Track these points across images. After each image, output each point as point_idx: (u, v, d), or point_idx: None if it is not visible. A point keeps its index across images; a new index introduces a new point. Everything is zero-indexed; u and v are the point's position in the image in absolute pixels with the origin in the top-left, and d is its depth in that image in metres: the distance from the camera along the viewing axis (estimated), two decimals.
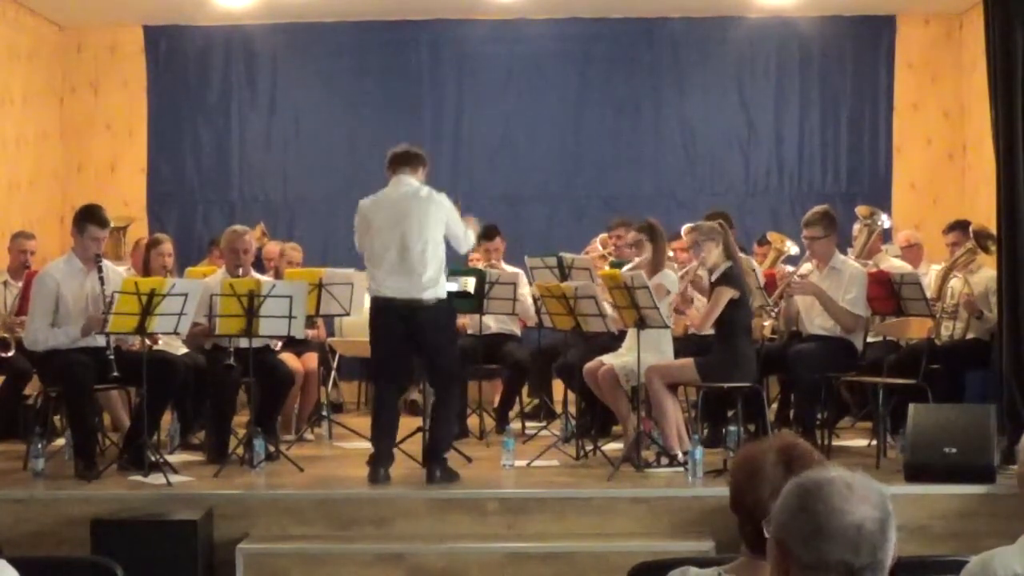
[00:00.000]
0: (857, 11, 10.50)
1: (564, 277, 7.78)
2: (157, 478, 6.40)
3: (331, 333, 9.12)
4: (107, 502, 6.08)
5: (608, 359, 7.13)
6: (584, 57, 10.74)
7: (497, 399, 8.88)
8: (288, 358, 7.75)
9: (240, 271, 7.42)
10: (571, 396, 7.84)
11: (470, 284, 7.52)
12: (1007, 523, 5.34)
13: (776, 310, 7.55)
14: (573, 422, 7.66)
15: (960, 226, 8.21)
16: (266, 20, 10.56)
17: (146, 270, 7.91)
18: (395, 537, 6.06)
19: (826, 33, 10.63)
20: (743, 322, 6.88)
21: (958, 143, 10.57)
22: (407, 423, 7.33)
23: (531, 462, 6.99)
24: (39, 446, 6.62)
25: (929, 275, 8.00)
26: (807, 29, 10.62)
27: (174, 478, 6.45)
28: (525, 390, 8.94)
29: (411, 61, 10.72)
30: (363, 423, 8.03)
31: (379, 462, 6.47)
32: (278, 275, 8.33)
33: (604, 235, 9.03)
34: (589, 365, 7.19)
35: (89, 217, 6.83)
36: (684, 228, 8.67)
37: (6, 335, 7.73)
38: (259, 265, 8.64)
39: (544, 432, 8.05)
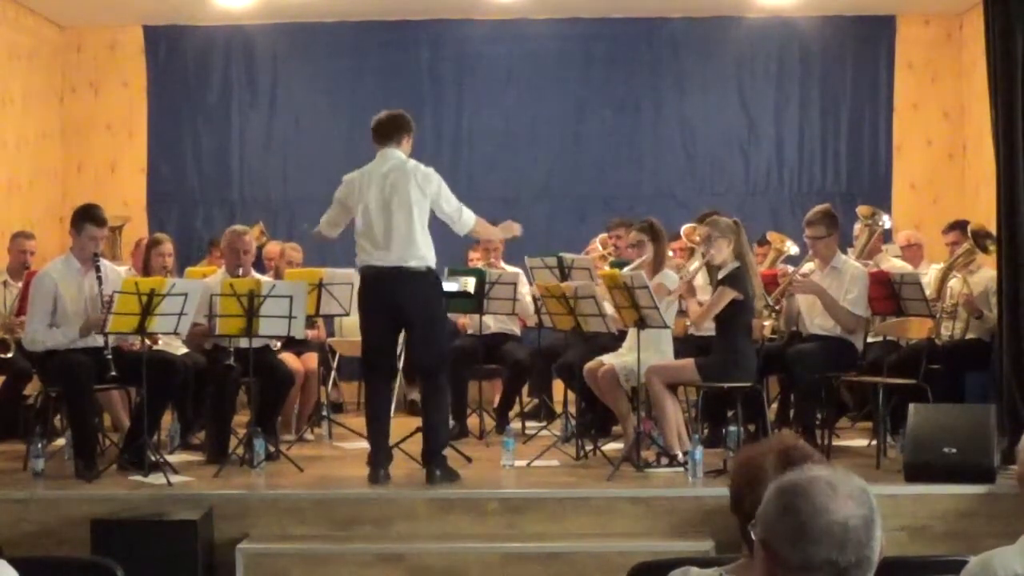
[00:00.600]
0: (857, 11, 10.50)
1: (564, 277, 7.78)
2: (157, 478, 6.40)
3: (331, 333, 9.12)
4: (107, 502, 6.07)
5: (608, 359, 7.13)
6: (584, 57, 10.74)
7: (497, 399, 8.88)
8: (288, 358, 7.75)
9: (240, 271, 7.42)
10: (571, 396, 7.84)
11: (470, 284, 7.52)
12: (1007, 523, 5.37)
13: (777, 308, 7.55)
14: (573, 422, 7.66)
15: (960, 226, 8.21)
16: (266, 20, 10.56)
17: (146, 270, 7.91)
18: (395, 537, 6.06)
19: (826, 33, 10.63)
20: (744, 322, 6.87)
21: (958, 143, 10.57)
22: (407, 423, 7.34)
23: (531, 462, 6.99)
24: (39, 446, 6.62)
25: (929, 275, 8.00)
26: (807, 29, 10.63)
27: (174, 478, 6.45)
28: (525, 390, 8.94)
29: (411, 61, 10.72)
30: (363, 423, 8.01)
31: (378, 462, 6.46)
32: (278, 275, 8.33)
33: (604, 235, 9.05)
34: (589, 365, 7.19)
35: (87, 216, 6.83)
36: (684, 228, 8.69)
37: (6, 335, 7.73)
38: (259, 265, 8.64)
39: (544, 432, 8.05)
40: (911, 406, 6.47)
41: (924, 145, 10.68)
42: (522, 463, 6.94)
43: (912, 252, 8.77)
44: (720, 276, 6.91)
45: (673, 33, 10.70)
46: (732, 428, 6.92)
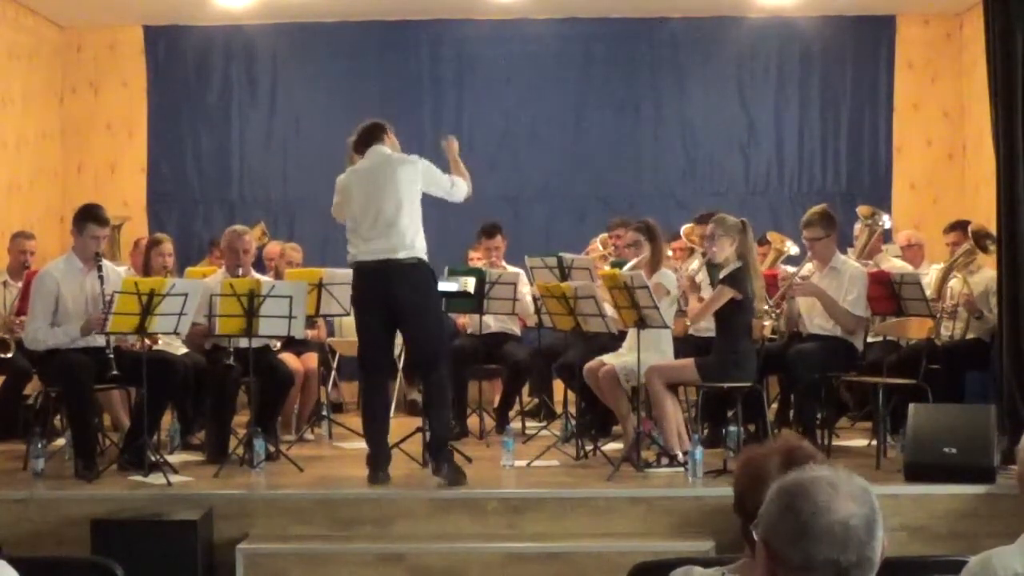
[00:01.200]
0: (857, 11, 10.50)
1: (564, 277, 7.78)
2: (157, 478, 6.40)
3: (331, 333, 9.12)
4: (107, 502, 6.07)
5: (608, 359, 7.13)
6: (584, 57, 10.74)
7: (497, 399, 8.88)
8: (288, 358, 7.75)
9: (240, 271, 7.42)
10: (571, 396, 7.84)
11: (470, 284, 7.52)
12: (1007, 523, 5.36)
13: (778, 311, 7.55)
14: (573, 422, 7.66)
15: (960, 226, 8.21)
16: (266, 20, 10.56)
17: (146, 270, 7.91)
18: (395, 537, 6.06)
19: (826, 33, 10.63)
20: (744, 323, 6.87)
21: (958, 143, 10.58)
22: (407, 423, 7.34)
23: (531, 462, 6.99)
24: (39, 446, 6.61)
25: (929, 275, 8.00)
26: (807, 29, 10.63)
27: (174, 478, 6.45)
28: (525, 390, 8.95)
29: (411, 61, 10.72)
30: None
31: (378, 464, 6.45)
32: (278, 275, 8.34)
33: (604, 235, 9.04)
34: (589, 365, 7.19)
35: (89, 216, 6.83)
36: (684, 228, 8.70)
37: (6, 335, 7.73)
38: (259, 265, 8.64)
39: (544, 432, 8.05)
40: (911, 406, 6.47)
41: (924, 145, 10.68)
42: (522, 463, 6.94)
43: (912, 252, 8.77)
44: (721, 275, 6.91)
45: (673, 33, 10.70)
46: (732, 428, 6.92)
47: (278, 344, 7.64)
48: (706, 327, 7.22)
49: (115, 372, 6.55)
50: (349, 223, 6.57)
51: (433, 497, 6.20)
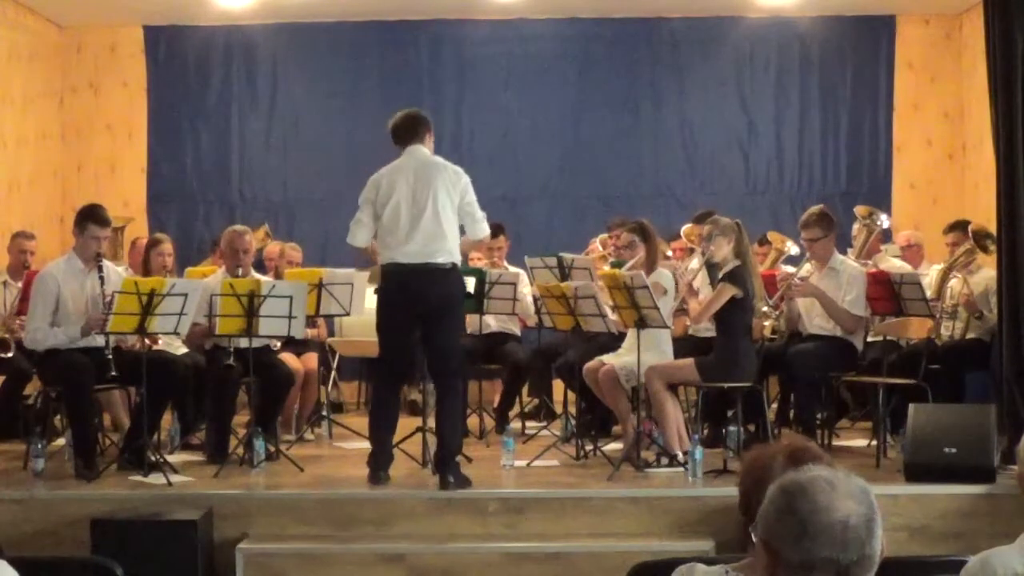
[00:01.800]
0: (857, 11, 10.50)
1: (564, 277, 7.78)
2: (157, 478, 6.40)
3: (331, 333, 9.12)
4: (107, 502, 6.07)
5: (608, 359, 7.13)
6: (584, 57, 10.74)
7: (497, 399, 8.88)
8: (288, 358, 7.75)
9: (240, 271, 7.42)
10: (571, 396, 7.84)
11: (470, 284, 7.51)
12: (1007, 523, 5.37)
13: (778, 311, 7.56)
14: (573, 422, 7.66)
15: (960, 226, 8.21)
16: (266, 20, 10.56)
17: (146, 270, 7.91)
18: (395, 537, 6.06)
19: (826, 33, 10.63)
20: (743, 322, 6.87)
21: (958, 143, 10.58)
22: (407, 423, 7.33)
23: (531, 462, 6.99)
24: (39, 446, 6.62)
25: (929, 275, 8.00)
26: (807, 29, 10.63)
27: (174, 478, 6.45)
28: (525, 390, 8.95)
29: (411, 61, 10.72)
30: (363, 423, 8.00)
31: (380, 465, 6.42)
32: (278, 275, 8.33)
33: (604, 235, 9.04)
34: (589, 365, 7.19)
35: (90, 216, 6.83)
36: (684, 228, 8.70)
37: (6, 335, 7.73)
38: (259, 265, 8.64)
39: (544, 432, 8.05)
40: (911, 406, 6.47)
41: (924, 145, 10.67)
42: (522, 463, 6.94)
43: (912, 252, 8.77)
44: (721, 274, 6.91)
45: (673, 33, 10.70)
46: (732, 428, 6.93)
47: (279, 344, 7.64)
48: (706, 327, 7.23)
49: (115, 372, 6.54)
50: (383, 223, 6.40)
51: (433, 497, 6.20)
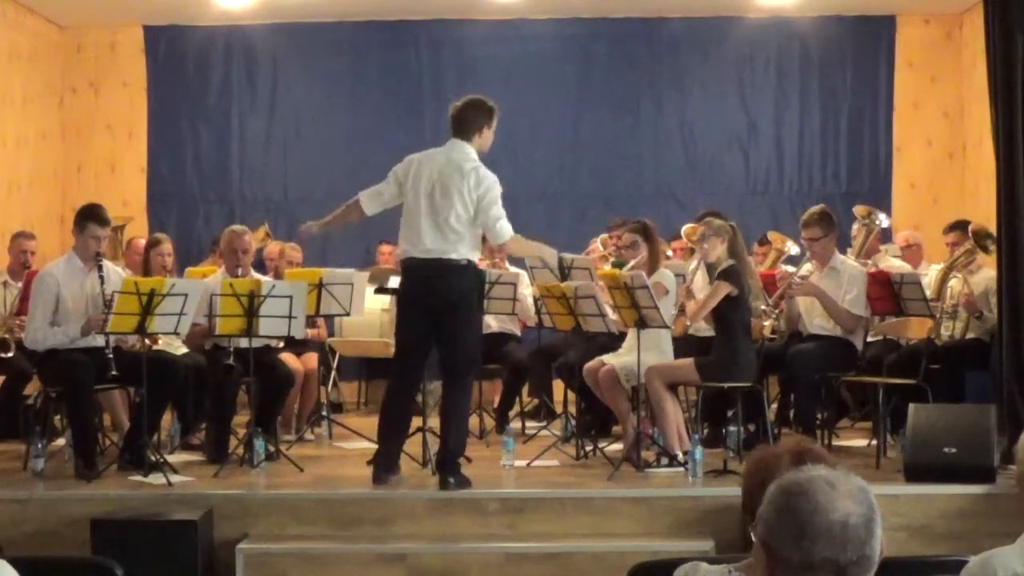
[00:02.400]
0: (857, 11, 10.51)
1: (564, 277, 7.78)
2: (157, 478, 6.39)
3: (331, 333, 9.12)
4: (107, 502, 6.07)
5: (608, 359, 7.13)
6: (584, 57, 10.74)
7: (497, 399, 8.88)
8: (288, 358, 7.75)
9: (239, 271, 7.42)
10: (571, 396, 7.84)
11: None
12: (1007, 523, 5.33)
13: (777, 312, 7.56)
14: (573, 422, 7.66)
15: (960, 226, 8.21)
16: (266, 20, 10.56)
17: (146, 270, 7.91)
18: (396, 537, 6.05)
19: (826, 33, 10.63)
20: (743, 322, 6.88)
21: (958, 143, 10.58)
22: None
23: (531, 462, 6.99)
24: (39, 446, 6.62)
25: (929, 275, 8.01)
26: (807, 29, 10.63)
27: (174, 478, 6.45)
28: (525, 390, 8.94)
29: (411, 61, 10.72)
30: (363, 423, 8.04)
31: (388, 468, 6.36)
32: (278, 275, 8.33)
33: (605, 235, 9.04)
34: (589, 365, 7.19)
35: (90, 216, 6.83)
36: (685, 228, 8.70)
37: (6, 335, 7.73)
38: (259, 265, 8.64)
39: (544, 432, 8.05)
40: (911, 406, 6.47)
41: (924, 145, 10.68)
42: (522, 463, 6.94)
43: (911, 252, 8.77)
44: (716, 273, 6.92)
45: (673, 33, 10.70)
46: (732, 428, 6.92)
47: (281, 343, 7.63)
48: (705, 327, 7.23)
49: (115, 372, 6.54)
50: (404, 215, 6.37)
51: (433, 497, 6.20)
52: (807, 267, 7.54)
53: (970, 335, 7.71)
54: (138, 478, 6.46)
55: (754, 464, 2.61)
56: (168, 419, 7.46)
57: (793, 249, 8.45)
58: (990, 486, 6.12)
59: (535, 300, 7.96)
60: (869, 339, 7.59)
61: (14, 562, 2.99)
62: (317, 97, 10.76)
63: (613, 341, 7.26)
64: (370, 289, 7.82)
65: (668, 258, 8.26)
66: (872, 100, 10.66)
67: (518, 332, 8.89)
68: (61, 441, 7.26)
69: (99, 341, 6.65)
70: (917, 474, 6.26)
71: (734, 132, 10.71)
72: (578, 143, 10.72)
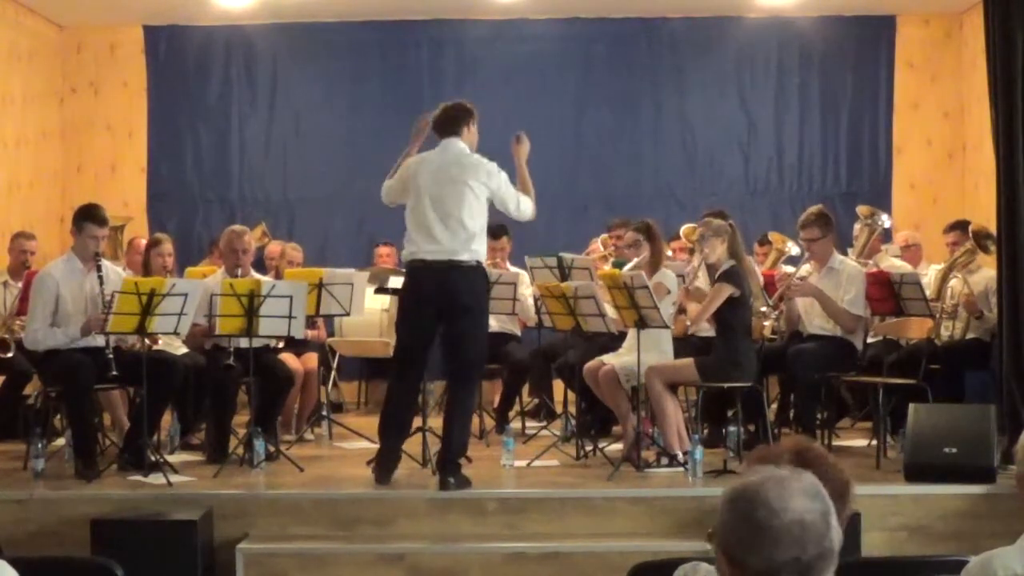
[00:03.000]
0: (857, 11, 10.50)
1: (564, 277, 7.78)
2: (157, 478, 6.40)
3: (331, 333, 9.13)
4: (107, 502, 6.08)
5: (608, 359, 7.13)
6: (584, 57, 10.74)
7: (497, 399, 8.88)
8: (288, 358, 7.75)
9: (239, 271, 7.42)
10: (571, 396, 7.84)
11: None
12: (1007, 523, 5.34)
13: (777, 312, 7.56)
14: (573, 422, 7.66)
15: (960, 226, 8.22)
16: (266, 20, 10.56)
17: (146, 270, 7.91)
18: (395, 537, 6.06)
19: (826, 33, 10.63)
20: (743, 322, 6.88)
21: (958, 143, 10.57)
22: None
23: (531, 462, 6.99)
24: (39, 446, 6.61)
25: (929, 275, 8.01)
26: (807, 29, 10.63)
27: (174, 478, 6.45)
28: (525, 390, 8.95)
29: (411, 61, 10.71)
30: (363, 423, 8.05)
31: (390, 468, 6.35)
32: (278, 275, 8.33)
33: (605, 235, 9.04)
34: (589, 365, 7.19)
35: (88, 216, 6.83)
36: (684, 228, 8.70)
37: (6, 335, 7.74)
38: (259, 265, 8.64)
39: (544, 432, 8.05)
40: (911, 406, 6.47)
41: (924, 145, 10.67)
42: (522, 463, 6.94)
43: (911, 253, 8.77)
44: (716, 275, 6.92)
45: (673, 33, 10.70)
46: (732, 428, 6.93)
47: (281, 343, 7.63)
48: (706, 327, 7.23)
49: (115, 372, 6.54)
50: (409, 216, 6.37)
51: (433, 497, 6.20)
52: (806, 268, 7.54)
53: (970, 335, 7.71)
54: (138, 478, 6.46)
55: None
56: (168, 419, 7.46)
57: (793, 249, 8.45)
58: (990, 486, 6.12)
59: (535, 300, 7.96)
60: (869, 339, 7.59)
61: (14, 562, 2.99)
62: (317, 97, 10.75)
63: (613, 341, 7.27)
64: (370, 289, 7.82)
65: (668, 258, 8.26)
66: (872, 100, 10.65)
67: (518, 332, 8.89)
68: (61, 441, 7.26)
69: (99, 341, 6.65)
70: (917, 474, 6.26)
71: (734, 132, 10.71)
72: (578, 143, 10.71)
